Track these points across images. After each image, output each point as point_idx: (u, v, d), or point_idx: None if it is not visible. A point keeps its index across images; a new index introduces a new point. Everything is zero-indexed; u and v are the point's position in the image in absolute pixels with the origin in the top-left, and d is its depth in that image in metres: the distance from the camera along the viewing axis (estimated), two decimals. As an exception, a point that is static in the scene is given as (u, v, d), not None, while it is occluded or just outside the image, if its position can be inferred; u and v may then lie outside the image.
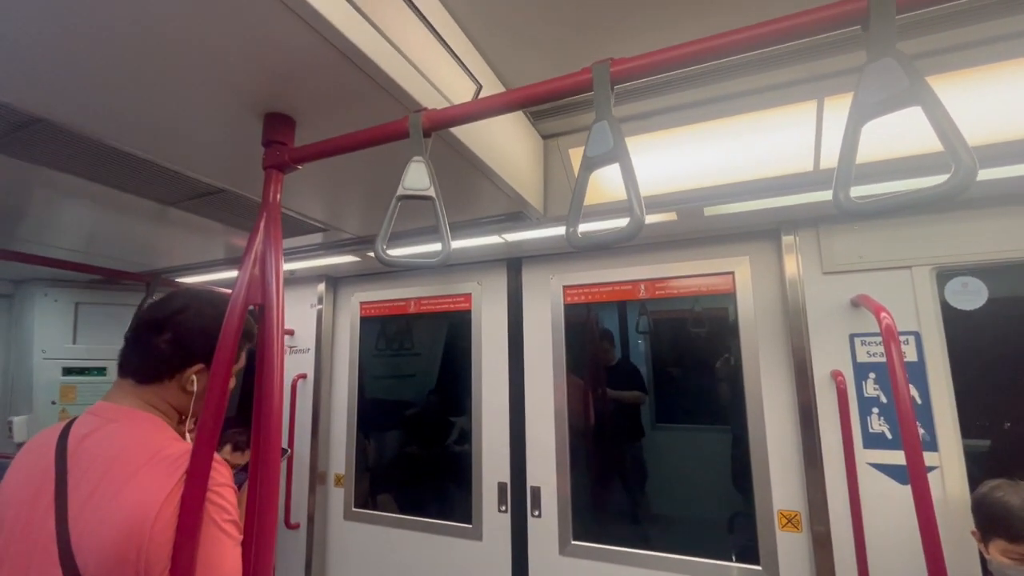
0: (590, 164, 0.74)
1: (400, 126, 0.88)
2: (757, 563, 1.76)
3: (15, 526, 0.83)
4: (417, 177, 0.86)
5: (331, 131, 0.98)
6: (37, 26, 0.79)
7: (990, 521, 1.33)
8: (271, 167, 1.00)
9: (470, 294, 2.43)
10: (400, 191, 0.86)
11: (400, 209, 0.86)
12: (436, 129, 0.88)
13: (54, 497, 0.82)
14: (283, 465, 1.63)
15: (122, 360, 0.99)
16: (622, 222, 0.69)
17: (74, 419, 0.93)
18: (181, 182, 1.40)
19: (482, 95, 1.17)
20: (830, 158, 1.40)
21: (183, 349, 0.99)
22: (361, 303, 2.71)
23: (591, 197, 1.68)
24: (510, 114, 1.43)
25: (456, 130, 1.12)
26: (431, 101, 1.01)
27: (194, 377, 1.00)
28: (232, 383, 1.11)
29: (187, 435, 1.01)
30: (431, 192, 0.85)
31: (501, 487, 2.21)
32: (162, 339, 0.98)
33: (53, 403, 2.64)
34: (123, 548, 0.77)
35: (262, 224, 0.95)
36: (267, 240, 0.94)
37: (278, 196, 1.00)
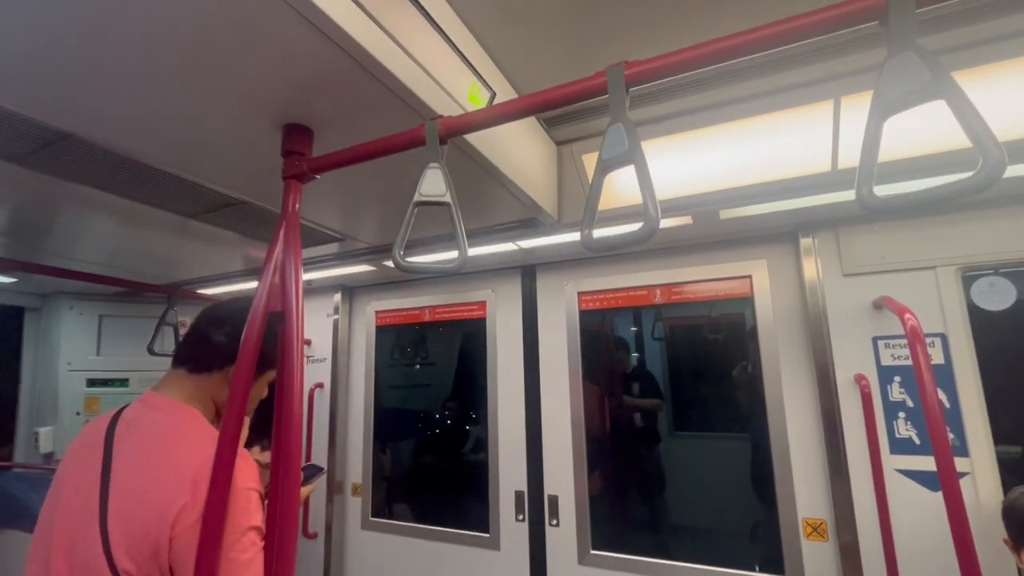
0: (605, 167, 0.74)
1: (417, 134, 0.89)
2: (782, 573, 1.72)
3: (71, 489, 0.94)
4: (434, 183, 0.86)
5: (348, 141, 0.99)
6: (62, 44, 0.81)
7: (1021, 528, 1.29)
8: (290, 177, 1.02)
9: (484, 302, 2.44)
10: (417, 197, 0.86)
11: (415, 217, 0.87)
12: (452, 136, 0.89)
13: (100, 473, 0.92)
14: (318, 482, 1.63)
15: (178, 351, 1.10)
16: (637, 226, 0.68)
17: (127, 405, 1.04)
18: (203, 195, 1.43)
19: (496, 102, 1.18)
20: (848, 157, 1.38)
21: (238, 342, 1.00)
22: (377, 312, 2.73)
23: (605, 202, 1.69)
24: (523, 121, 1.44)
25: (470, 137, 1.13)
26: (445, 109, 1.02)
27: None
28: (264, 393, 1.13)
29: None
30: (447, 198, 0.86)
31: (518, 496, 2.19)
32: (221, 331, 1.07)
33: (78, 414, 2.69)
34: (146, 541, 0.85)
35: (281, 233, 0.97)
36: (287, 249, 0.96)
37: (297, 206, 1.01)
